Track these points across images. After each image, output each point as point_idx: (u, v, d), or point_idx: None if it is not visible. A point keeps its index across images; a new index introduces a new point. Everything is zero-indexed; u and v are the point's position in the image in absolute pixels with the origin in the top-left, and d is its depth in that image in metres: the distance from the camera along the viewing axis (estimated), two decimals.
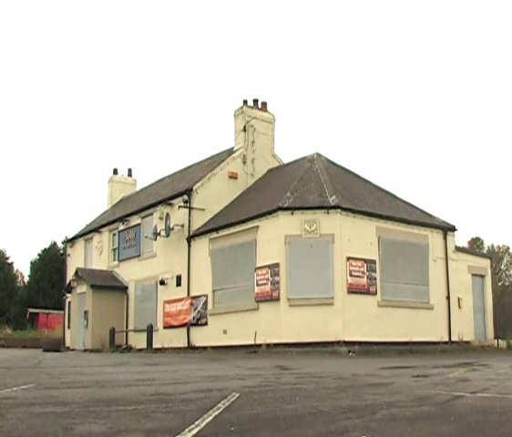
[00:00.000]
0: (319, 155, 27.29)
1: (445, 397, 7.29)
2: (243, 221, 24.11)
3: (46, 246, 59.93)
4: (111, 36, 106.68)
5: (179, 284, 27.07)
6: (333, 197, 22.82)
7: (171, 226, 27.38)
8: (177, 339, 26.19)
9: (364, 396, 7.47)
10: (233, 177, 28.74)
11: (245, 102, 30.34)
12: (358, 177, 27.68)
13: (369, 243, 22.92)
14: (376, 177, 71.76)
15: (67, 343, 33.79)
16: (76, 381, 10.50)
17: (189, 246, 26.58)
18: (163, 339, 26.78)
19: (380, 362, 15.49)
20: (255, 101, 30.70)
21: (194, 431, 4.91)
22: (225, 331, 23.92)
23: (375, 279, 22.78)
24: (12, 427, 5.14)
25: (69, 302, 33.83)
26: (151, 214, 29.70)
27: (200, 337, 25.20)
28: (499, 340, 26.86)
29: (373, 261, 22.85)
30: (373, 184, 27.45)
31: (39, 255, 59.23)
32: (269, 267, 22.46)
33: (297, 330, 21.36)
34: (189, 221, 26.85)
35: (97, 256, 34.22)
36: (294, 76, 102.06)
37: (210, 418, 5.57)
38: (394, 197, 27.17)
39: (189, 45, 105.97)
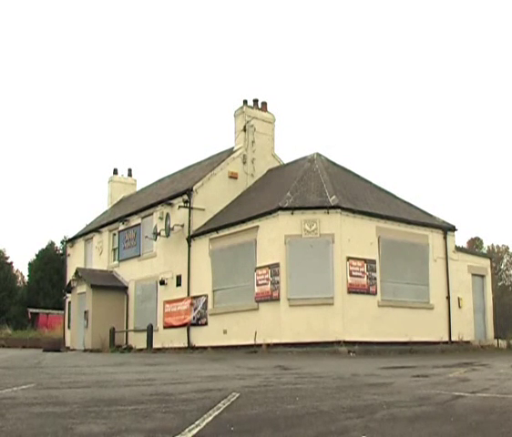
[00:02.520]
0: (319, 155, 27.29)
1: (445, 397, 7.29)
2: (243, 221, 24.10)
3: (44, 246, 59.96)
4: (111, 37, 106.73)
5: (179, 284, 27.07)
6: (333, 197, 22.82)
7: (171, 226, 27.38)
8: (177, 339, 26.19)
9: (364, 396, 7.47)
10: (233, 177, 28.75)
11: (245, 102, 30.34)
12: (358, 177, 27.68)
13: (369, 243, 22.92)
14: (376, 177, 71.78)
15: (67, 343, 33.79)
16: (76, 381, 10.50)
17: (189, 246, 26.57)
18: (163, 339, 26.78)
19: (380, 362, 15.49)
20: (255, 101, 30.70)
21: (194, 432, 4.91)
22: (225, 331, 23.92)
23: (375, 279, 22.78)
24: (12, 427, 5.14)
25: (69, 302, 33.83)
26: (151, 214, 29.70)
27: (200, 337, 25.20)
28: (499, 340, 26.86)
29: (373, 261, 22.85)
30: (373, 184, 27.45)
31: (37, 255, 59.23)
32: (269, 267, 22.46)
33: (297, 330, 21.36)
34: (189, 221, 26.85)
35: (97, 256, 34.21)
36: (294, 76, 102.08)
37: (210, 418, 5.57)
38: (394, 197, 27.17)
39: (189, 46, 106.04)
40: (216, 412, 5.90)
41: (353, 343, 21.00)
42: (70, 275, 33.88)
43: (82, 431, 4.98)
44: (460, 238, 70.21)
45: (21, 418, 5.65)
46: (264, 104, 30.94)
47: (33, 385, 9.14)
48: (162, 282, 27.91)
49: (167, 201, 28.34)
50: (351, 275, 22.07)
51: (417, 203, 27.92)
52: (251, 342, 22.10)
